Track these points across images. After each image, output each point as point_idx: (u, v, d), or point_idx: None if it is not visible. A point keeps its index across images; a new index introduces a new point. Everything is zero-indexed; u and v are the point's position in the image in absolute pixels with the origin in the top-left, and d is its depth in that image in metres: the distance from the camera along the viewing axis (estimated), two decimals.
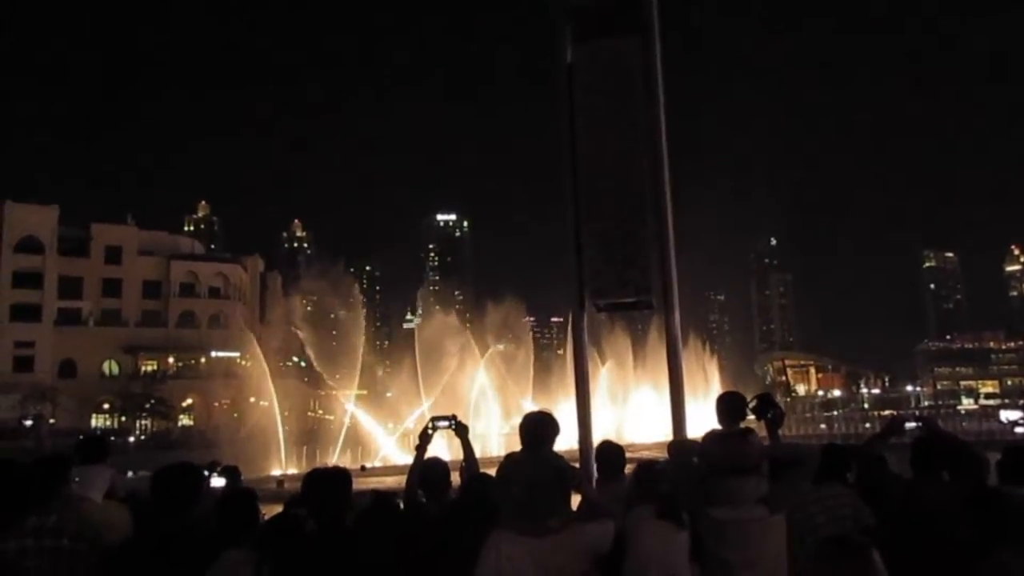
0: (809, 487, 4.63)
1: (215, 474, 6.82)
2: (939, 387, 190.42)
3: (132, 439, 66.23)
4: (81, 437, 5.39)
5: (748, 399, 5.31)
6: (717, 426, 5.15)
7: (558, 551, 3.33)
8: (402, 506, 5.02)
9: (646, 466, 4.43)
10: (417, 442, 5.32)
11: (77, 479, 4.31)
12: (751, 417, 5.24)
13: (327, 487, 3.68)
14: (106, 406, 76.35)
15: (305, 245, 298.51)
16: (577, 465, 5.47)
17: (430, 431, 5.32)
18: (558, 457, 3.76)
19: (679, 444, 5.60)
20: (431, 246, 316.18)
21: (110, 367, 78.93)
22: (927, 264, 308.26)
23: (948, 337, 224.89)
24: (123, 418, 74.58)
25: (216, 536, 3.58)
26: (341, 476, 3.82)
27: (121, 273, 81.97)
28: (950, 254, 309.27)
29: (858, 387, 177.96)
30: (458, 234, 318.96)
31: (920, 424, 5.49)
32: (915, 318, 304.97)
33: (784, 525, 4.19)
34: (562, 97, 7.62)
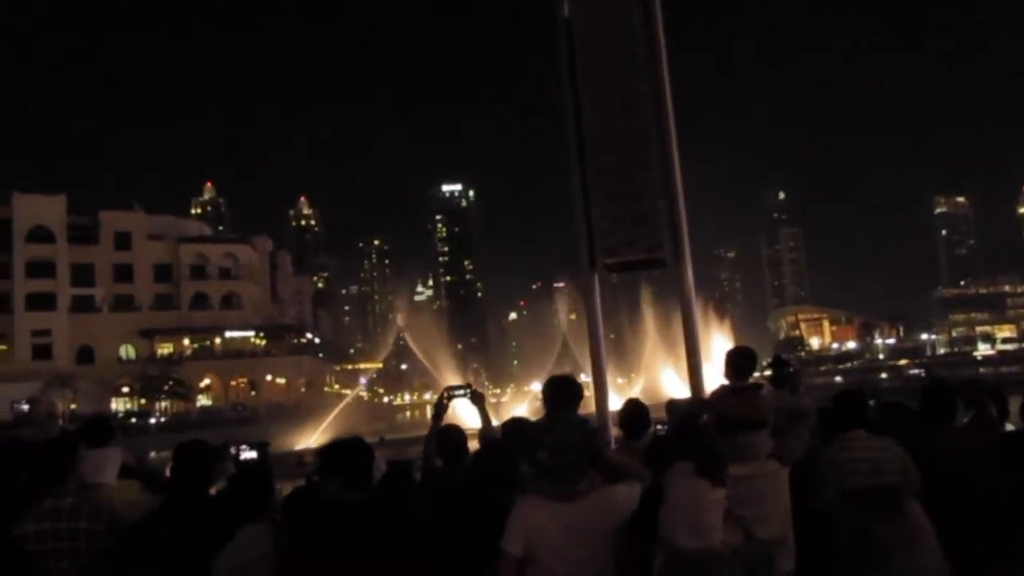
0: (808, 440, 4.56)
1: (245, 447, 6.90)
2: (954, 334, 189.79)
3: (153, 420, 67.04)
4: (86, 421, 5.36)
5: (759, 357, 5.24)
6: (726, 382, 5.11)
7: (586, 515, 3.31)
8: (420, 474, 5.02)
9: (686, 422, 4.39)
10: (433, 411, 5.34)
11: (88, 462, 4.28)
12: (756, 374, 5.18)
13: (346, 456, 3.62)
14: (125, 389, 77.26)
15: (312, 223, 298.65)
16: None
17: (445, 400, 5.33)
18: (583, 420, 3.71)
19: (676, 404, 5.55)
20: (438, 217, 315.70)
21: (127, 351, 79.73)
22: (939, 210, 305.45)
23: (962, 283, 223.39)
24: (143, 400, 75.50)
25: (233, 511, 3.56)
26: (359, 446, 3.76)
27: (131, 258, 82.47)
28: (962, 199, 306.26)
29: (872, 338, 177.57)
30: (464, 204, 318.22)
31: (925, 372, 5.42)
32: (928, 266, 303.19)
33: (788, 478, 4.16)
34: (561, 52, 7.46)
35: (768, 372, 5.04)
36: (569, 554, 3.30)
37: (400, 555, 3.16)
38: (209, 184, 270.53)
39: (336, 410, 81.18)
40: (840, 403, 4.76)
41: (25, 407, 61.67)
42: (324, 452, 3.68)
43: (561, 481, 3.34)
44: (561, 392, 4.47)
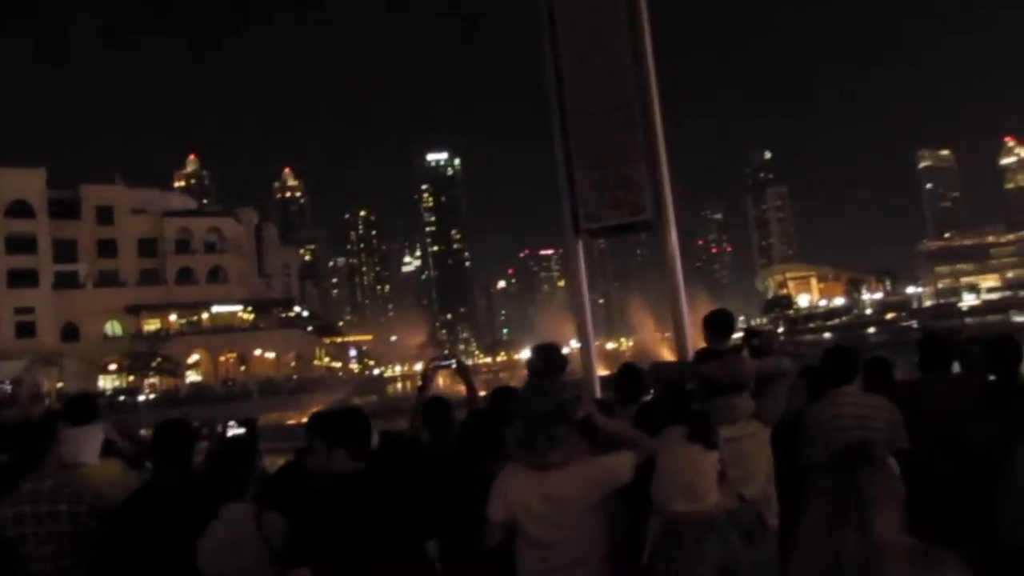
0: (784, 400, 4.54)
1: (232, 424, 6.84)
2: (940, 286, 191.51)
3: (141, 398, 66.91)
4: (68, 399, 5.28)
5: (749, 317, 5.21)
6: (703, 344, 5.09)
7: (563, 485, 3.29)
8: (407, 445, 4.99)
9: (676, 386, 4.37)
10: (420, 383, 5.31)
11: (68, 442, 4.21)
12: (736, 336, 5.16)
13: (348, 426, 3.56)
14: (113, 367, 76.92)
15: (298, 195, 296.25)
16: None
17: (431, 371, 5.30)
18: (562, 389, 3.67)
19: (659, 367, 5.54)
20: (424, 187, 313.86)
21: (113, 328, 79.22)
22: (923, 164, 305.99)
23: (947, 236, 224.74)
24: (131, 378, 75.23)
25: (215, 490, 3.52)
26: (359, 415, 3.68)
27: (115, 233, 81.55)
28: (945, 152, 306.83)
29: (860, 293, 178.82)
30: (450, 172, 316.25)
31: (918, 325, 5.41)
32: (913, 219, 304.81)
33: (769, 438, 4.16)
34: (543, 18, 7.34)
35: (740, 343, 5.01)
36: (552, 520, 3.30)
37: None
38: (192, 156, 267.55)
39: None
40: (829, 360, 4.75)
41: (8, 387, 61.42)
42: (324, 422, 3.62)
43: (536, 450, 3.31)
44: (542, 361, 4.45)
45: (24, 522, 3.66)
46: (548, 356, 4.56)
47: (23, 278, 74.53)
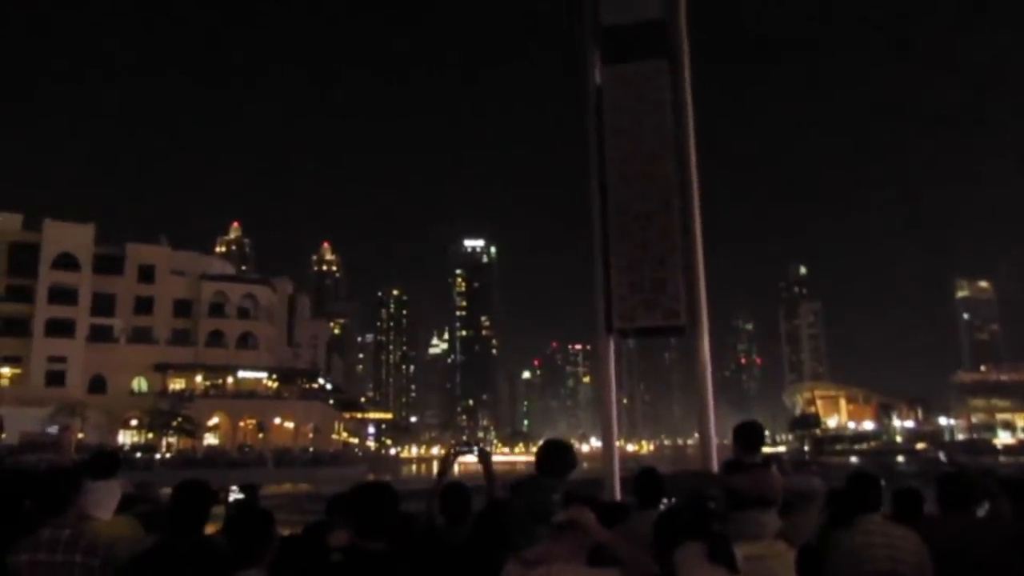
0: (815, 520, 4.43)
1: (234, 490, 6.78)
2: (974, 420, 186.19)
3: (158, 456, 66.74)
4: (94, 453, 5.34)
5: (775, 431, 5.14)
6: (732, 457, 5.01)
7: None
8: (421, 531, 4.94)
9: (696, 500, 4.28)
10: (439, 468, 5.26)
11: (88, 495, 4.25)
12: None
13: (375, 502, 3.53)
14: (134, 422, 77.15)
15: (334, 268, 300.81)
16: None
17: (452, 458, 5.27)
18: (547, 488, 3.61)
19: (685, 476, 5.43)
20: (458, 271, 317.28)
21: (139, 384, 79.88)
22: (960, 294, 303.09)
23: (983, 368, 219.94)
24: (150, 435, 75.26)
25: (229, 555, 3.51)
26: (389, 492, 3.63)
27: (153, 291, 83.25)
28: (984, 283, 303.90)
29: (890, 419, 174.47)
30: (485, 260, 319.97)
31: (945, 455, 5.29)
32: (949, 349, 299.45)
33: (795, 560, 4.05)
34: (590, 120, 7.58)
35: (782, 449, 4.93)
36: None
37: None
38: (236, 224, 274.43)
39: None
40: (855, 485, 4.64)
41: (53, 430, 61.75)
42: (352, 497, 3.56)
43: (515, 547, 3.26)
44: (547, 458, 4.41)
45: (38, 570, 3.67)
46: (548, 453, 4.50)
47: (60, 328, 76.06)
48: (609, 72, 7.62)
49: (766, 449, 5.15)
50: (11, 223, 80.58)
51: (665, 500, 5.25)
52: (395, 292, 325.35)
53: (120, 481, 4.83)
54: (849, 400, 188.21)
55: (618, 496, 6.43)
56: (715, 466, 6.19)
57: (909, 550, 4.21)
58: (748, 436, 4.95)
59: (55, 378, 74.86)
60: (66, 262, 77.67)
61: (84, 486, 4.23)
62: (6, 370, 75.10)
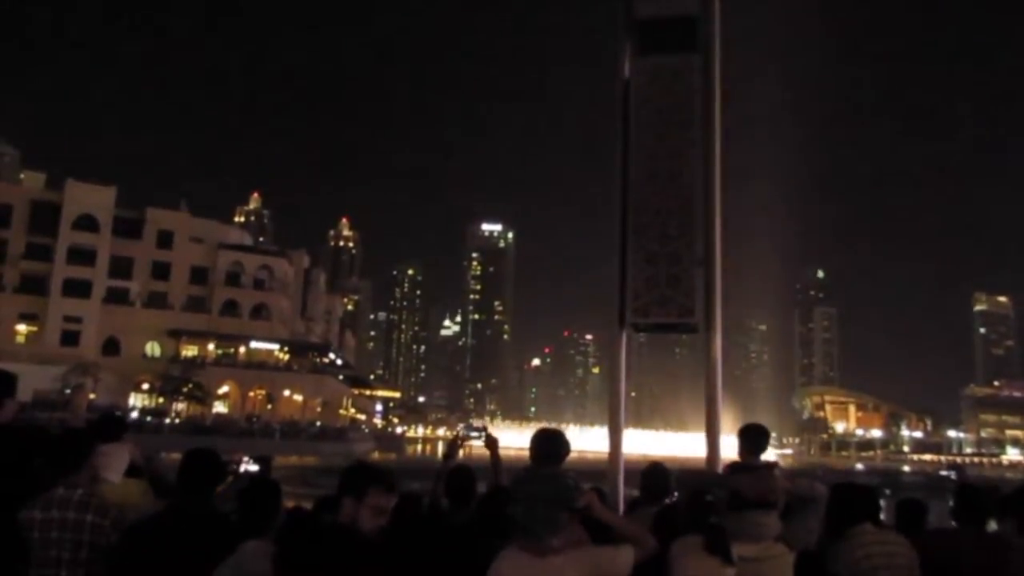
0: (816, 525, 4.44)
1: (248, 460, 6.84)
2: (983, 434, 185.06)
3: (167, 421, 67.45)
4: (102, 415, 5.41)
5: (783, 435, 5.15)
6: (737, 458, 5.01)
7: (558, 572, 3.25)
8: (425, 511, 4.99)
9: (696, 495, 4.31)
10: (445, 450, 5.32)
11: (98, 456, 4.31)
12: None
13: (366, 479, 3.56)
14: (145, 386, 77.98)
15: (351, 244, 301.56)
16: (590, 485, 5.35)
17: (459, 441, 5.31)
18: (564, 475, 3.67)
19: (687, 474, 5.44)
20: (474, 255, 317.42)
21: (152, 348, 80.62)
22: (978, 307, 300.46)
23: (996, 383, 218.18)
24: (160, 400, 76.05)
25: (237, 525, 3.57)
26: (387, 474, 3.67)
27: (170, 257, 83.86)
28: (1003, 298, 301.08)
29: (899, 428, 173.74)
30: (501, 245, 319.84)
31: (955, 471, 5.28)
32: (963, 362, 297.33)
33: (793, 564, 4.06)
34: (617, 111, 7.54)
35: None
36: None
37: None
38: (256, 194, 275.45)
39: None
40: (841, 496, 4.62)
41: (67, 391, 62.51)
42: (358, 476, 3.61)
43: (533, 535, 3.30)
44: (544, 446, 4.46)
45: (50, 526, 3.75)
46: (550, 441, 4.56)
47: (77, 288, 76.81)
48: (637, 65, 7.57)
49: (772, 451, 5.16)
50: (35, 181, 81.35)
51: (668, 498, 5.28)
52: (410, 271, 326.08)
53: (128, 446, 4.90)
54: (859, 407, 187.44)
55: (622, 489, 6.45)
56: (720, 465, 6.20)
57: (904, 555, 4.23)
58: (753, 438, 4.97)
59: (70, 338, 75.71)
60: (86, 223, 78.32)
61: (95, 448, 4.30)
62: (22, 327, 76.02)
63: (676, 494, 5.18)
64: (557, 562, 3.25)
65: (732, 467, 4.81)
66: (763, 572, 3.91)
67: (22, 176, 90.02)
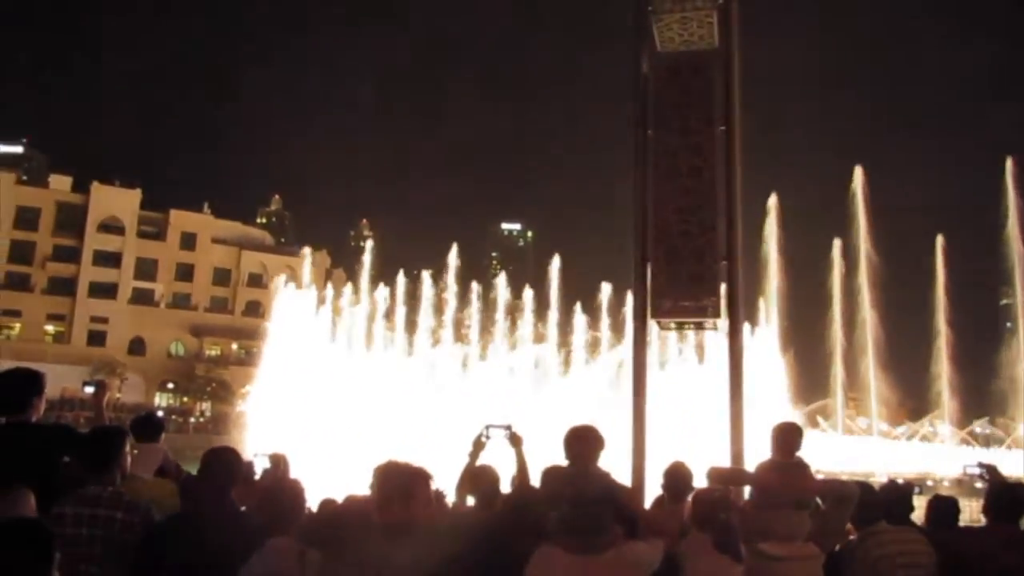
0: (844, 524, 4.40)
1: (261, 455, 6.82)
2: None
3: (192, 420, 68.02)
4: (141, 414, 5.47)
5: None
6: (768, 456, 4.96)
7: (605, 570, 3.26)
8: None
9: (704, 494, 4.29)
10: (470, 448, 5.26)
11: (132, 456, 4.36)
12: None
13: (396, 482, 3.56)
14: (170, 386, 78.73)
15: (371, 244, 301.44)
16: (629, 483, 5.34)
17: (484, 438, 5.23)
18: (606, 474, 3.66)
19: (716, 472, 5.38)
20: (494, 254, 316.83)
21: (176, 348, 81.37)
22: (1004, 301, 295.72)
23: None
24: (185, 399, 76.72)
25: (263, 522, 3.59)
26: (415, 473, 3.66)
27: (194, 259, 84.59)
28: None
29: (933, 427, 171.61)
30: (521, 244, 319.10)
31: (985, 470, 5.21)
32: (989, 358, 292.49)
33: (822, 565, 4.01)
34: (636, 110, 7.53)
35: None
36: None
37: None
38: (277, 196, 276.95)
39: None
40: (864, 494, 4.57)
41: (89, 389, 63.07)
42: (385, 474, 3.59)
43: (582, 534, 3.30)
44: (583, 443, 4.40)
45: (81, 522, 3.80)
46: (589, 439, 4.50)
47: (104, 290, 77.75)
48: (657, 62, 7.56)
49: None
50: (61, 184, 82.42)
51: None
52: (428, 271, 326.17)
53: (163, 449, 4.95)
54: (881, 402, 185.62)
55: (647, 486, 6.45)
56: (745, 463, 6.17)
57: (924, 553, 4.18)
58: (785, 437, 4.90)
59: (96, 338, 76.60)
60: (112, 226, 79.26)
61: (129, 447, 4.35)
62: (50, 328, 77.02)
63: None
64: (603, 560, 3.26)
65: (765, 465, 4.76)
66: (793, 572, 3.87)
67: (49, 179, 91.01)
